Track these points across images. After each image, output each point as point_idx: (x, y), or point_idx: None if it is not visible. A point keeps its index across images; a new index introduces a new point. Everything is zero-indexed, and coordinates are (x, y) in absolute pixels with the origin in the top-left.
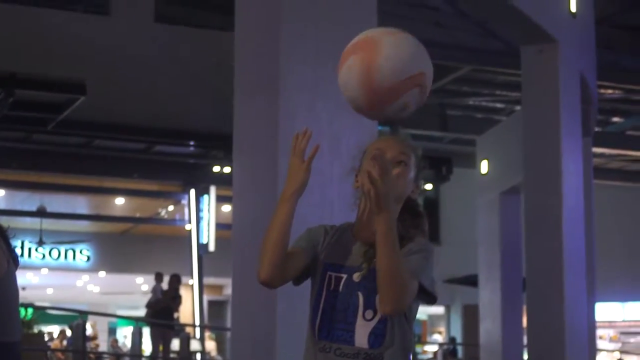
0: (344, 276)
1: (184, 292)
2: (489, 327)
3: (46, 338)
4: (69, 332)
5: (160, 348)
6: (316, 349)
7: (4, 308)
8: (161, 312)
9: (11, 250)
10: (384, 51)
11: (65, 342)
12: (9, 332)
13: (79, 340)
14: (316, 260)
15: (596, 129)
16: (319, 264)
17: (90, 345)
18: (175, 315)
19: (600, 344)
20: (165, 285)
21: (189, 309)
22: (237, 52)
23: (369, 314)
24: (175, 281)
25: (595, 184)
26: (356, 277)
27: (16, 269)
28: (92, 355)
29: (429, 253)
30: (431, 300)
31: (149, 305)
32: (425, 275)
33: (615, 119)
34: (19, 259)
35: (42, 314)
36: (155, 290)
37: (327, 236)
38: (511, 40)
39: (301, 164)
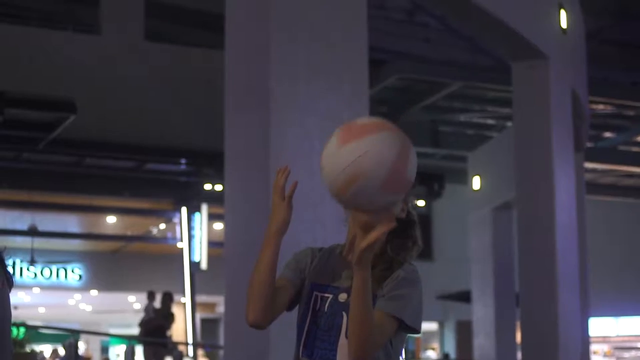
0: (330, 296)
1: (176, 310)
2: (483, 343)
3: (38, 358)
4: (61, 351)
5: None
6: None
7: None
8: (154, 331)
9: (6, 270)
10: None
11: None
12: (1, 354)
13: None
14: (303, 282)
15: (588, 145)
16: (305, 285)
17: None
18: (168, 333)
19: (594, 359)
20: (157, 303)
21: (181, 327)
22: (228, 70)
23: None
24: (168, 299)
25: (587, 199)
26: (342, 297)
27: (10, 289)
28: None
29: (414, 285)
30: (415, 332)
31: (141, 324)
32: (410, 312)
33: (607, 134)
34: (13, 279)
35: (34, 333)
36: (148, 308)
37: (314, 258)
38: (502, 56)
39: (281, 202)
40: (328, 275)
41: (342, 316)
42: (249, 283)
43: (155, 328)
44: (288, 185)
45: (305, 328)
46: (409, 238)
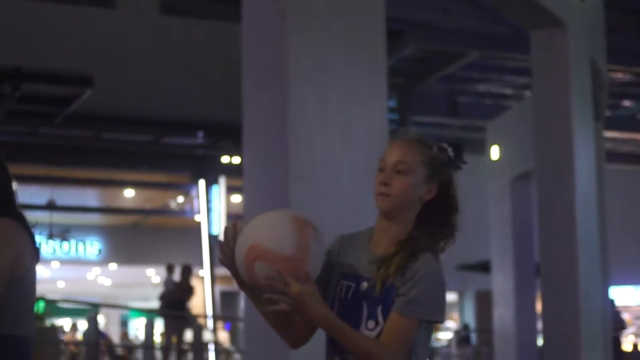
0: (353, 285)
1: (195, 283)
2: (503, 313)
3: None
4: (81, 325)
5: (174, 339)
6: (329, 354)
7: (23, 302)
8: (174, 304)
9: (35, 245)
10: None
11: (79, 335)
12: (25, 325)
13: (93, 333)
14: (331, 274)
15: (607, 113)
16: (334, 273)
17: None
18: (187, 306)
19: None
20: (177, 276)
21: (200, 300)
22: (245, 43)
23: (371, 324)
24: (187, 272)
25: (606, 168)
26: (362, 286)
27: (37, 263)
28: (104, 348)
29: (434, 281)
30: (438, 323)
31: (161, 298)
32: (429, 307)
33: (626, 103)
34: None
35: (54, 308)
36: (167, 282)
37: (342, 246)
38: (520, 25)
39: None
40: (353, 264)
41: (362, 306)
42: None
43: (175, 301)
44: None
45: None
46: (444, 225)
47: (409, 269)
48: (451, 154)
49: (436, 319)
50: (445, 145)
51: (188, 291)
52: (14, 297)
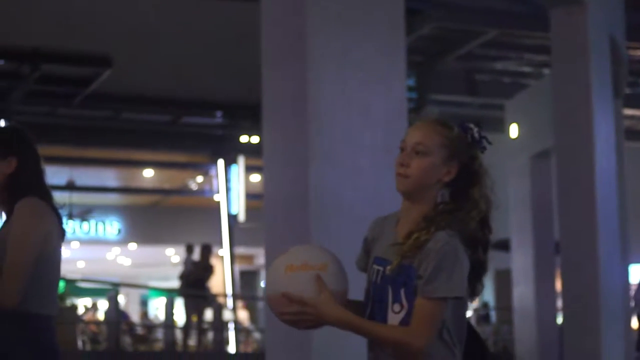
0: (381, 269)
1: (215, 262)
2: (522, 291)
3: (80, 311)
4: (101, 305)
5: (194, 319)
6: (368, 341)
7: (48, 281)
8: (193, 283)
9: (61, 224)
10: None
11: (99, 315)
12: (50, 305)
13: (113, 313)
14: (369, 256)
15: (626, 91)
16: (370, 258)
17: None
18: (207, 285)
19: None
20: (196, 256)
21: (220, 279)
22: (263, 22)
23: (397, 307)
24: (207, 252)
25: (626, 146)
26: (388, 270)
27: (62, 243)
28: (125, 327)
29: (453, 258)
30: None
31: (181, 277)
32: (453, 285)
33: None
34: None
35: (74, 287)
36: (187, 262)
37: (375, 230)
38: (539, 3)
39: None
40: (382, 248)
41: (388, 289)
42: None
43: (194, 280)
44: None
45: (369, 300)
46: (466, 200)
47: (424, 250)
48: (476, 134)
49: (454, 295)
50: (471, 125)
51: (208, 270)
52: (40, 276)
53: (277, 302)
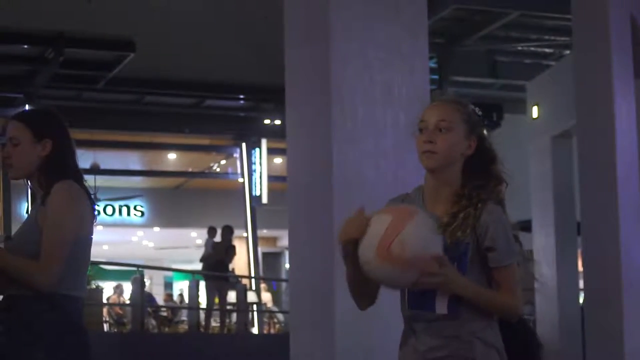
0: None
1: (238, 244)
2: (544, 272)
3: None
4: (126, 287)
5: (216, 300)
6: (408, 316)
7: (80, 264)
8: (214, 266)
9: (93, 207)
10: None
11: (123, 298)
12: (80, 287)
13: (138, 295)
14: None
15: None
16: None
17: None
18: (230, 267)
19: None
20: (218, 238)
21: (244, 261)
22: (286, 2)
23: None
24: (228, 232)
25: None
26: None
27: (94, 226)
28: (150, 310)
29: (506, 224)
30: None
31: (202, 260)
32: (512, 250)
33: None
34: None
35: (99, 270)
36: (207, 244)
37: None
38: None
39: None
40: None
41: None
42: (349, 287)
43: (215, 262)
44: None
45: None
46: (489, 176)
47: (479, 224)
48: (479, 112)
49: (519, 258)
50: (472, 106)
51: (229, 252)
52: (74, 258)
53: (426, 263)
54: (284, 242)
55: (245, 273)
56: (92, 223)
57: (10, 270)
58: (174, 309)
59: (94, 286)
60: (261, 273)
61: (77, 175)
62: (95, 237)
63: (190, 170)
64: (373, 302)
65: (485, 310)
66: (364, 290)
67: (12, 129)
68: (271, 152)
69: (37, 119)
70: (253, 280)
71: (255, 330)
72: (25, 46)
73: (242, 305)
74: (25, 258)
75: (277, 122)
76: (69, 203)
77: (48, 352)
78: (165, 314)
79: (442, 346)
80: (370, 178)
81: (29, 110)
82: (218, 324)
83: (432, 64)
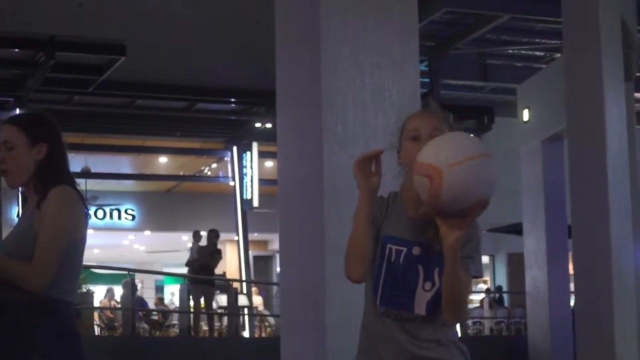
0: (404, 249)
1: (229, 248)
2: (535, 275)
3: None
4: (117, 291)
5: (202, 304)
6: (377, 314)
7: (73, 268)
8: (199, 270)
9: (87, 212)
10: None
11: (114, 302)
12: (72, 291)
13: (129, 299)
14: (378, 233)
15: (638, 74)
16: (380, 237)
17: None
18: (221, 270)
19: None
20: (204, 241)
21: (235, 265)
22: (277, 6)
23: (428, 285)
24: (213, 236)
25: (637, 129)
26: (415, 251)
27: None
28: (141, 313)
29: (476, 235)
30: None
31: (188, 264)
32: (475, 265)
33: None
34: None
35: (90, 274)
36: (192, 248)
37: (383, 208)
38: None
39: (370, 168)
40: (399, 228)
41: (417, 269)
42: (349, 245)
43: (200, 267)
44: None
45: (382, 279)
46: None
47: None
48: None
49: (479, 275)
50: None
51: (214, 255)
52: (67, 263)
53: (478, 201)
54: (275, 245)
55: (237, 276)
56: (86, 227)
57: (3, 272)
58: (165, 313)
59: (85, 290)
60: (252, 276)
61: (69, 179)
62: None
63: (181, 173)
64: (365, 271)
65: (450, 301)
66: (368, 247)
67: (6, 133)
68: (262, 155)
69: (31, 123)
70: (244, 284)
71: (246, 333)
72: (16, 50)
73: (233, 309)
74: (19, 261)
75: (268, 125)
76: (67, 207)
77: (43, 357)
78: (156, 317)
79: (427, 348)
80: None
81: (23, 113)
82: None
83: (423, 67)
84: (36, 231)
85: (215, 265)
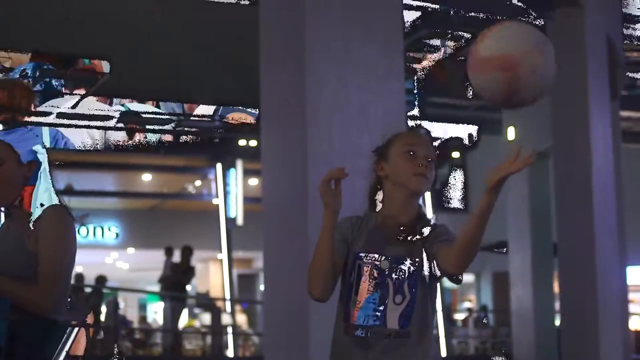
0: (374, 265)
1: (213, 266)
2: (520, 294)
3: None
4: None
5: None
6: (349, 331)
7: (67, 288)
8: (172, 287)
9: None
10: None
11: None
12: (63, 311)
13: (112, 316)
14: (347, 252)
15: (623, 92)
16: (349, 254)
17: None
18: (189, 287)
19: (632, 307)
20: (177, 257)
21: (218, 283)
22: (262, 23)
23: (399, 298)
24: (187, 253)
25: (623, 147)
26: (384, 265)
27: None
28: (124, 331)
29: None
30: (457, 281)
31: (160, 281)
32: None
33: None
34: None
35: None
36: (165, 265)
37: (354, 227)
38: (537, 5)
39: (331, 190)
40: (369, 245)
41: (387, 283)
42: (313, 262)
43: (172, 283)
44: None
45: (352, 295)
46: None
47: (433, 232)
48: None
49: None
50: None
51: (188, 272)
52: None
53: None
54: (259, 263)
55: (221, 295)
56: (76, 245)
57: (3, 294)
58: (148, 332)
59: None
60: (236, 295)
61: (60, 200)
62: None
63: (165, 191)
64: (328, 289)
65: (467, 246)
66: (331, 267)
67: None
68: (247, 173)
69: None
70: (228, 303)
71: (230, 352)
72: None
73: (217, 328)
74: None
75: (253, 143)
76: (67, 227)
77: None
78: (139, 336)
79: None
80: (346, 199)
81: None
82: (192, 347)
83: (409, 85)
84: (31, 251)
85: (188, 283)
